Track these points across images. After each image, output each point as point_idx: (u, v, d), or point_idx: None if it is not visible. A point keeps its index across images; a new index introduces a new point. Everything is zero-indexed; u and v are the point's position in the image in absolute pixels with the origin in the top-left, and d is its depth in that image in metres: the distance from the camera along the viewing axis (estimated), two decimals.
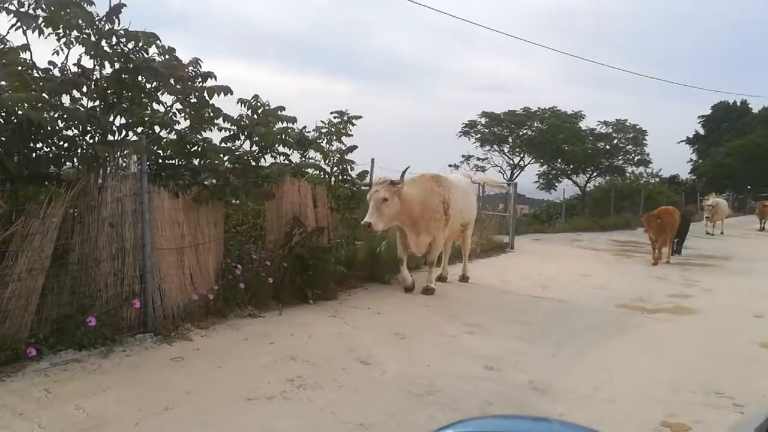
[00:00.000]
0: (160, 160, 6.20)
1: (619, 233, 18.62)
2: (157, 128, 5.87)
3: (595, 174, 26.76)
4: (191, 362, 4.57)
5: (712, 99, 46.71)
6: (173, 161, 6.31)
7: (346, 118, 8.63)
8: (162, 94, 5.72)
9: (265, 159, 7.06)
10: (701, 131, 45.77)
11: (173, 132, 6.08)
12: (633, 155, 27.01)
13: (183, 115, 6.09)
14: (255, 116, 6.70)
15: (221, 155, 6.39)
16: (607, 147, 26.49)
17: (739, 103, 44.19)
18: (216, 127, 6.46)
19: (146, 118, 5.73)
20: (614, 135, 26.63)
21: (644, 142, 26.66)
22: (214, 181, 6.06)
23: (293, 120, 7.00)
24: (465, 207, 8.33)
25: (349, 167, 8.62)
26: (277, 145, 6.94)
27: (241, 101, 6.67)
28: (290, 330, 5.53)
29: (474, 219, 9.21)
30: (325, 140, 8.46)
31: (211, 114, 6.23)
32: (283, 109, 6.92)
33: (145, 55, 5.40)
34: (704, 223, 19.98)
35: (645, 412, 4.03)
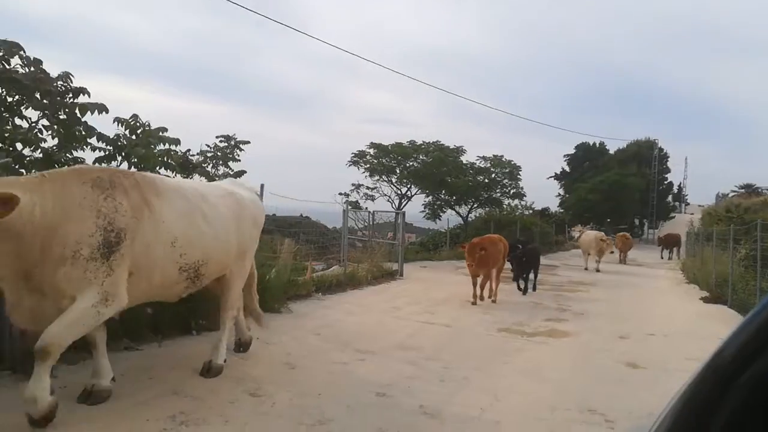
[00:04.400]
0: None
1: None
2: (19, 146, 5.32)
3: (475, 205, 28.24)
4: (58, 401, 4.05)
5: (575, 140, 51.85)
6: None
7: (233, 142, 8.41)
8: (26, 108, 5.23)
9: None
10: (567, 168, 50.10)
11: (39, 150, 5.55)
12: (509, 189, 28.93)
13: (51, 132, 5.59)
14: (134, 137, 6.34)
15: None
16: (486, 180, 28.16)
17: (597, 145, 49.25)
18: (89, 147, 6.06)
19: (6, 134, 5.18)
20: (492, 169, 28.39)
21: (519, 176, 28.73)
22: None
23: (176, 142, 6.75)
24: (194, 234, 4.50)
25: None
26: (158, 168, 6.60)
27: (118, 120, 6.32)
28: (171, 363, 5.15)
29: (241, 258, 5.30)
30: (211, 164, 8.17)
31: (83, 132, 5.80)
32: (165, 130, 6.66)
33: (6, 66, 4.92)
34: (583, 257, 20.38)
35: (528, 431, 4.21)
